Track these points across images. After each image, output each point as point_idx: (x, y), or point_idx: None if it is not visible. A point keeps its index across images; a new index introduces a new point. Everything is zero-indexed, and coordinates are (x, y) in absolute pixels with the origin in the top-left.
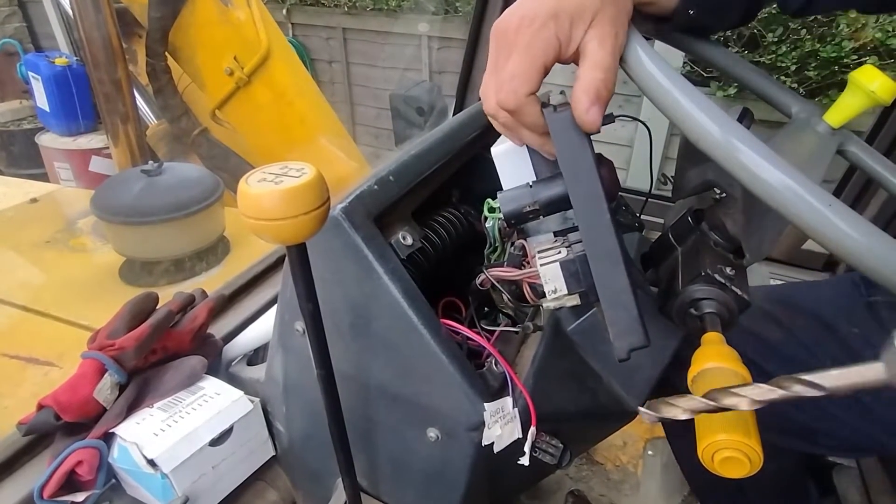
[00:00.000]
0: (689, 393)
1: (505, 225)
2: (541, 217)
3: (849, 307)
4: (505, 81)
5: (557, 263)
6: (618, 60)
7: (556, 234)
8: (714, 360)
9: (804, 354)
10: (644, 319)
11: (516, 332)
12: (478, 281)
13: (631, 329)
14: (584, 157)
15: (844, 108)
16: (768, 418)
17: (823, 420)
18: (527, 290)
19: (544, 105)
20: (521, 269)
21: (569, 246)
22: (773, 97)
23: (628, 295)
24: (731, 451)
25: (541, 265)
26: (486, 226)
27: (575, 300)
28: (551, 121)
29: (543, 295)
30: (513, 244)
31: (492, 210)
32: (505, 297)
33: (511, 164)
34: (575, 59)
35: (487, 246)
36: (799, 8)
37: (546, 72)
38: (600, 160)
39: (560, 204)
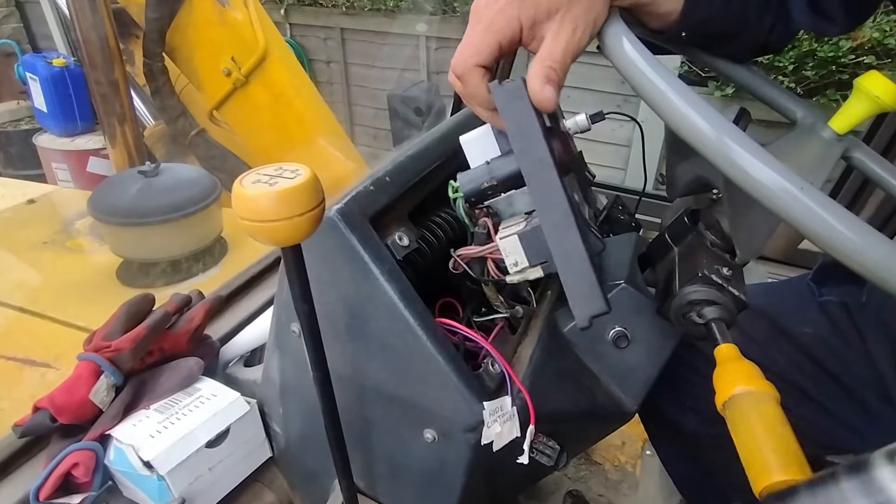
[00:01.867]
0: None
1: (467, 205)
2: (500, 193)
3: (802, 308)
4: (460, 50)
5: (516, 235)
6: (570, 56)
7: (527, 214)
8: (742, 382)
9: (757, 352)
10: (604, 286)
11: (508, 319)
12: (450, 265)
13: (589, 295)
14: (530, 127)
15: (850, 114)
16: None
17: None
18: (491, 266)
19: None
20: (483, 246)
21: (529, 220)
22: (777, 102)
23: (584, 261)
24: None
25: (500, 239)
26: (455, 208)
27: (538, 272)
28: (496, 93)
29: (507, 270)
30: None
31: (456, 191)
32: (470, 281)
33: (479, 150)
34: (535, 48)
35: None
36: (842, 29)
37: (501, 50)
38: (554, 132)
39: (517, 179)
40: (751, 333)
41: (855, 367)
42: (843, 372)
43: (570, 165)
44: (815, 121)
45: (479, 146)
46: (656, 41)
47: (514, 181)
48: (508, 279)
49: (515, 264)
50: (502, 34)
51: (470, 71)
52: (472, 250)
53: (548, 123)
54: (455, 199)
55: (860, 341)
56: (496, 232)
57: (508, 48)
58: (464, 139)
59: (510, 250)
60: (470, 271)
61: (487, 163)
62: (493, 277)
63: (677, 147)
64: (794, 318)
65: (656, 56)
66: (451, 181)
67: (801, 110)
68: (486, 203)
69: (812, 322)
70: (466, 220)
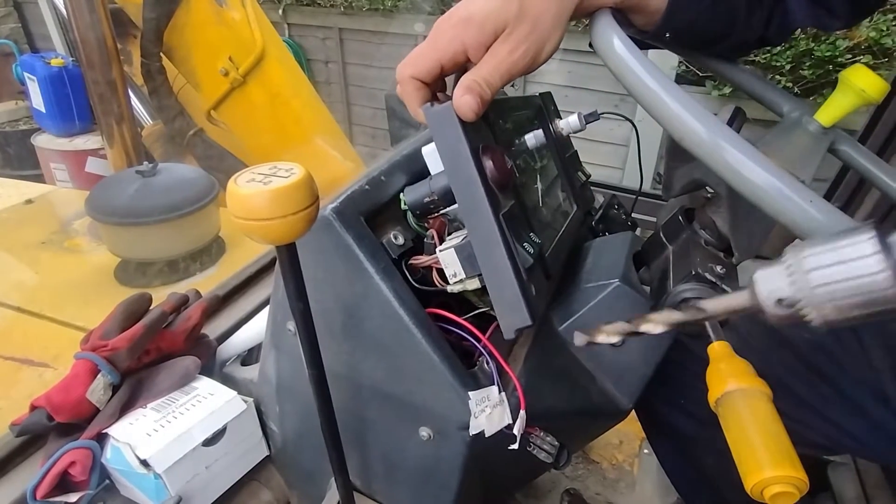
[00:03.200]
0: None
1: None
2: (442, 207)
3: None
4: (405, 59)
5: (452, 248)
6: (499, 75)
7: None
8: (734, 379)
9: (756, 359)
10: (531, 299)
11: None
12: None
13: (514, 308)
14: (458, 148)
15: (835, 107)
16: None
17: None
18: (435, 275)
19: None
20: (430, 255)
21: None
22: (764, 97)
23: (509, 274)
24: (782, 485)
25: (439, 251)
26: (408, 218)
27: (475, 283)
28: (427, 114)
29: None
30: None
31: (406, 203)
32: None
33: (438, 160)
34: None
35: None
36: (845, 23)
37: (443, 69)
38: (488, 150)
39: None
40: (749, 340)
41: (854, 373)
42: (841, 378)
43: (506, 182)
44: (801, 114)
45: (437, 156)
46: (643, 39)
47: (453, 196)
48: (449, 289)
49: (454, 275)
50: (443, 53)
51: (405, 80)
52: (420, 259)
53: (494, 141)
54: (406, 211)
55: (859, 347)
56: (441, 242)
57: (452, 67)
58: (425, 150)
59: (448, 262)
60: (412, 280)
61: (430, 178)
62: (436, 286)
63: (677, 152)
64: (792, 326)
65: (647, 51)
66: (401, 194)
67: (788, 104)
68: (440, 212)
69: (811, 329)
70: (419, 230)
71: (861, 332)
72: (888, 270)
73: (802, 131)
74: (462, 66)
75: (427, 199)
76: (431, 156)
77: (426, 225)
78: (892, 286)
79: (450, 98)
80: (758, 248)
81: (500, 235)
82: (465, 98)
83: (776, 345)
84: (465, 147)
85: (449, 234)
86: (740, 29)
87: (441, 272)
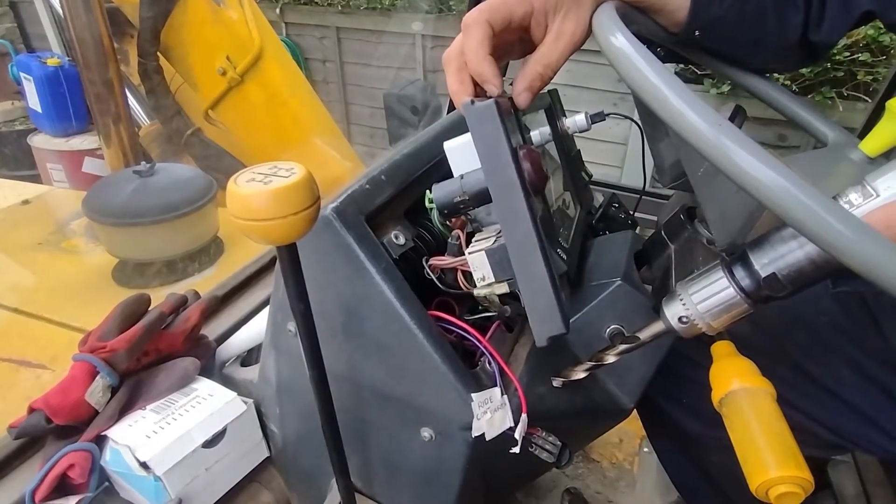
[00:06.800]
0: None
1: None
2: (472, 207)
3: (816, 299)
4: (479, 5)
5: (483, 251)
6: (566, 57)
7: None
8: (738, 378)
9: (770, 344)
10: (563, 307)
11: (505, 318)
12: (424, 272)
13: (549, 316)
14: (499, 148)
15: (881, 137)
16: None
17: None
18: (460, 277)
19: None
20: (456, 257)
21: (499, 236)
22: (809, 124)
23: (545, 281)
24: (787, 486)
25: (468, 253)
26: (432, 217)
27: (504, 288)
28: (467, 112)
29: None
30: (451, 233)
31: (431, 201)
32: (452, 282)
33: (462, 157)
34: (538, 36)
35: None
36: None
37: (511, 23)
38: (526, 152)
39: (489, 195)
40: (762, 325)
41: (874, 353)
42: (861, 357)
43: (542, 185)
44: (846, 142)
45: (462, 153)
46: (672, 46)
47: (486, 197)
48: (476, 292)
49: (483, 279)
50: (515, 8)
51: (477, 22)
52: (443, 261)
53: (522, 141)
54: (431, 210)
55: (876, 329)
56: (468, 245)
57: (518, 24)
58: (447, 146)
59: (478, 265)
60: (438, 282)
61: (461, 177)
62: (461, 289)
63: (653, 121)
64: (809, 308)
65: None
66: (428, 191)
67: (833, 132)
68: (468, 212)
69: (826, 310)
70: (443, 230)
71: (878, 314)
72: (731, 288)
73: (846, 160)
74: (509, 42)
75: (458, 199)
76: (456, 152)
77: (449, 224)
78: (734, 297)
79: (487, 98)
80: (739, 231)
81: (538, 241)
82: (524, 95)
83: (790, 327)
84: (506, 148)
85: (468, 234)
86: (772, 30)
87: (466, 274)
